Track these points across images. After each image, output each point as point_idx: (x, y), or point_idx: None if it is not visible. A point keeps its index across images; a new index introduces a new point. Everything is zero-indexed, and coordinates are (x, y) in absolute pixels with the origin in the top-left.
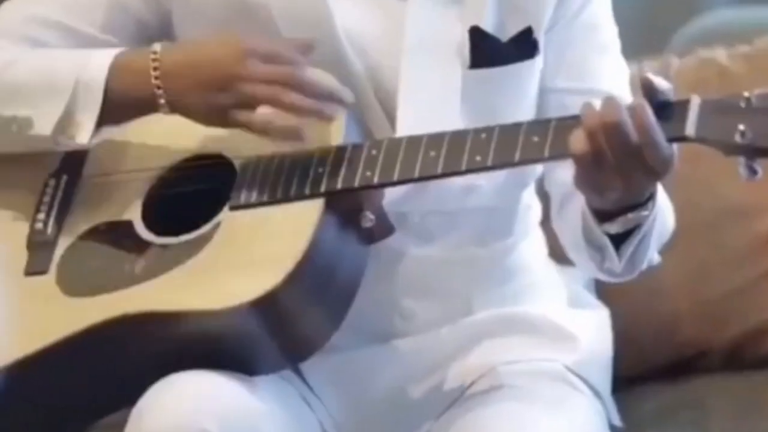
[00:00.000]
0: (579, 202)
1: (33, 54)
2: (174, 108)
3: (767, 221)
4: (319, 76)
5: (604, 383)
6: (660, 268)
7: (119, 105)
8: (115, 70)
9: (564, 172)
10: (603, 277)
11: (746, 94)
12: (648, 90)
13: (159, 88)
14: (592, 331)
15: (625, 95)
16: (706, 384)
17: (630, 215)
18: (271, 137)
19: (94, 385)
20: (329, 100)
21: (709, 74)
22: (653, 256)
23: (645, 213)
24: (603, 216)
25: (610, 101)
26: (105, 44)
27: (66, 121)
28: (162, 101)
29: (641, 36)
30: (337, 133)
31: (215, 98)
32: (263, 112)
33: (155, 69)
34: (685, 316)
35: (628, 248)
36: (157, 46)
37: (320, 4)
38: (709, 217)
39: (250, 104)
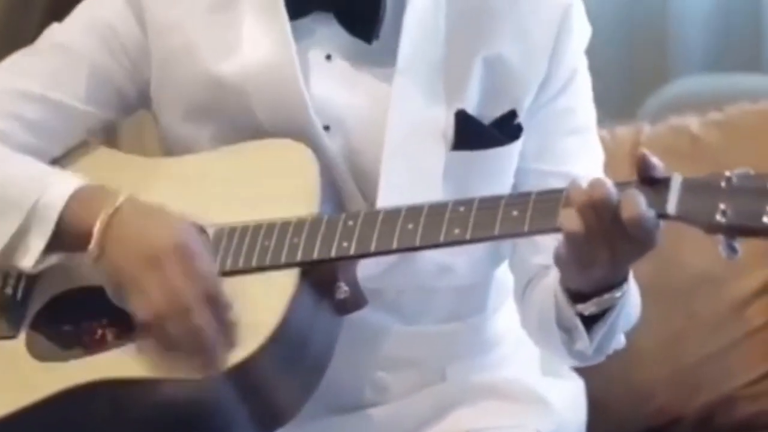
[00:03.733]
0: (546, 286)
1: None
2: (97, 258)
3: (738, 288)
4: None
5: None
6: (634, 336)
7: (66, 237)
8: (72, 202)
9: (531, 256)
10: (571, 362)
11: (727, 173)
12: (643, 166)
13: (99, 233)
14: (566, 399)
15: None
16: None
17: (605, 296)
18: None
19: None
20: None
21: (681, 141)
22: (620, 339)
23: (618, 294)
24: (576, 298)
25: (596, 179)
26: (87, 115)
27: (16, 242)
28: (93, 251)
29: (613, 102)
30: (313, 201)
31: (129, 267)
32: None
33: (102, 222)
34: (660, 384)
35: (601, 329)
36: (119, 200)
37: (294, 88)
38: (681, 285)
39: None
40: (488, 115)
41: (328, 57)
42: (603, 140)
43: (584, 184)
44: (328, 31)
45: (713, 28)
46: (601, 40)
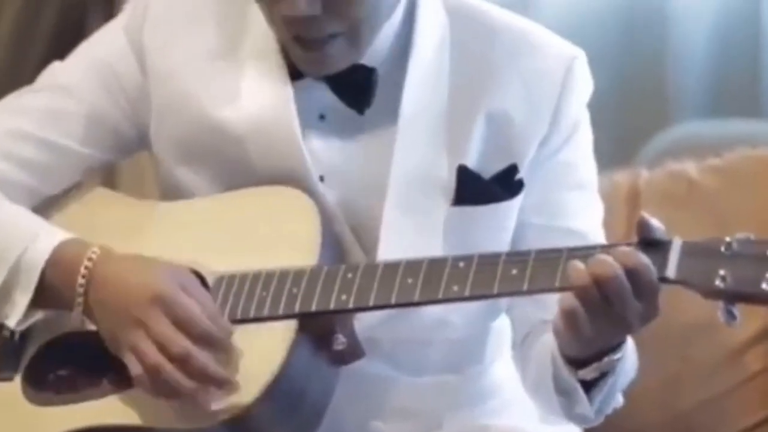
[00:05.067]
0: (543, 347)
1: None
2: (87, 316)
3: (734, 335)
4: (213, 367)
5: None
6: (631, 382)
7: (48, 293)
8: (54, 256)
9: (530, 310)
10: (572, 424)
11: (728, 238)
12: (643, 229)
13: (81, 294)
14: None
15: (599, 234)
16: None
17: (605, 359)
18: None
19: None
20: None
21: (679, 187)
22: (619, 399)
23: (617, 357)
24: (574, 363)
25: (595, 260)
26: (83, 156)
27: (1, 296)
28: (78, 307)
29: (611, 147)
30: (313, 250)
31: (115, 328)
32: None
33: (83, 276)
34: (655, 429)
35: (600, 392)
36: (95, 251)
37: (292, 140)
38: (678, 332)
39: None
40: (489, 169)
41: (322, 117)
42: (601, 185)
43: (581, 264)
44: (321, 95)
45: (711, 73)
46: (599, 85)
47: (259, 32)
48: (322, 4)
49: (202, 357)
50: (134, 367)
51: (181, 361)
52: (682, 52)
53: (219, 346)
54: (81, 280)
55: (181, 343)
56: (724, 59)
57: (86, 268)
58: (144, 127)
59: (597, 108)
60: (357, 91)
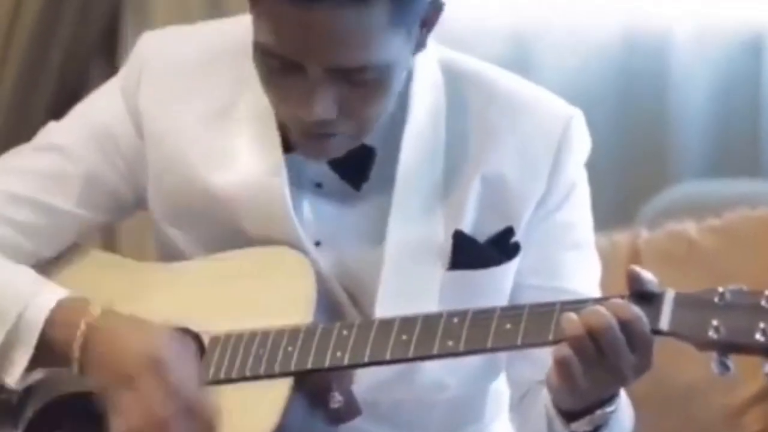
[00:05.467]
0: (539, 406)
1: None
2: (83, 373)
3: (732, 396)
4: None
5: None
6: None
7: (48, 354)
8: (54, 314)
9: (527, 370)
10: None
11: (720, 289)
12: (634, 281)
13: (78, 350)
14: None
15: (596, 295)
16: None
17: (597, 412)
18: None
19: None
20: None
21: (678, 247)
22: None
23: (610, 409)
24: (567, 416)
25: (588, 311)
26: (79, 218)
27: (2, 353)
28: (75, 363)
29: (611, 208)
30: (308, 309)
31: (108, 387)
32: None
33: (82, 333)
34: None
35: None
36: (95, 311)
37: (283, 209)
38: (678, 391)
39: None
40: (485, 231)
41: (318, 185)
42: (600, 245)
43: (574, 315)
44: (318, 166)
45: (711, 133)
46: (599, 145)
47: (257, 94)
48: (338, 108)
49: (187, 426)
50: (118, 427)
51: (164, 428)
52: (681, 112)
53: (202, 418)
54: (79, 339)
55: (167, 409)
56: (723, 119)
57: (86, 323)
58: (141, 188)
59: (597, 168)
60: (354, 168)
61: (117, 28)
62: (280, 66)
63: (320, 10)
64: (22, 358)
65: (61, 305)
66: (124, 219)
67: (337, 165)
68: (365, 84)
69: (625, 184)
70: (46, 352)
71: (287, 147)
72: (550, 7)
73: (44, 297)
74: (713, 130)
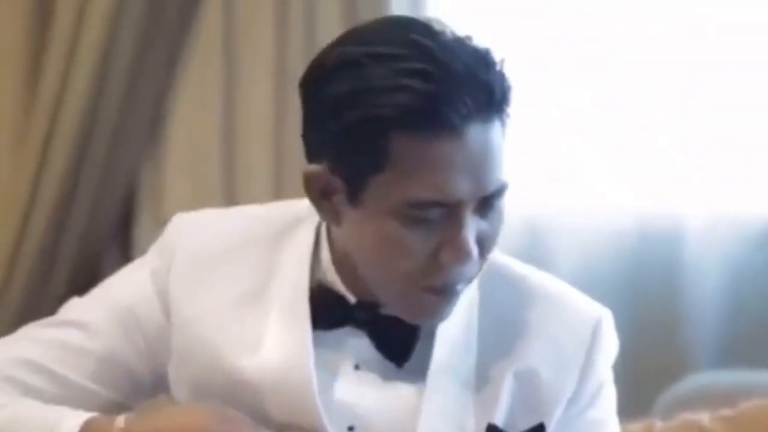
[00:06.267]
0: None
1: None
2: None
3: None
4: None
5: None
6: None
7: None
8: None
9: None
10: None
11: None
12: None
13: None
14: None
15: None
16: None
17: None
18: None
19: None
20: None
21: None
22: None
23: None
24: None
25: None
26: (92, 395)
27: None
28: None
29: (625, 398)
30: None
31: None
32: None
33: None
34: None
35: None
36: (121, 420)
37: (307, 396)
38: None
39: None
40: (517, 426)
41: (357, 367)
42: None
43: None
44: (358, 343)
45: (724, 324)
46: None
47: (288, 279)
48: (477, 244)
49: None
50: None
51: None
52: (694, 304)
53: None
54: None
55: None
56: (736, 311)
57: (118, 429)
58: (160, 369)
59: None
60: (399, 344)
61: (130, 221)
62: (425, 217)
63: (474, 128)
64: None
65: (89, 423)
66: (138, 401)
67: (380, 340)
68: (496, 210)
69: (639, 376)
70: None
71: (322, 325)
72: (563, 196)
73: (70, 419)
74: (726, 321)
